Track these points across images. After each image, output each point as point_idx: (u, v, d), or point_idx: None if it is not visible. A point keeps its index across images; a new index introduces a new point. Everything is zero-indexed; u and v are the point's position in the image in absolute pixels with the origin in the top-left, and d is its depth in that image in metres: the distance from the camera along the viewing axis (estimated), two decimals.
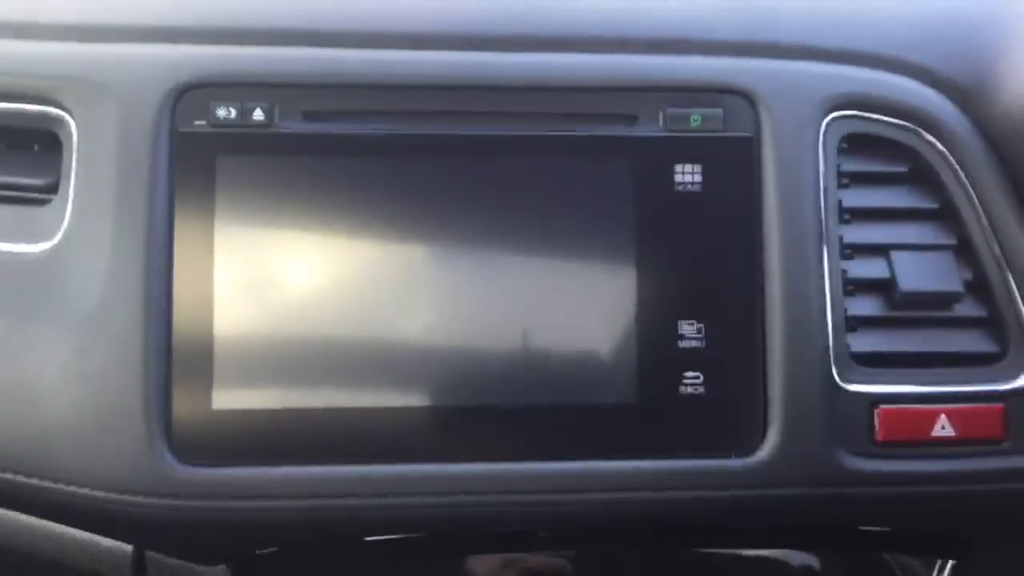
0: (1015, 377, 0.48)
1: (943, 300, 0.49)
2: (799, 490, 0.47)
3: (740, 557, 0.58)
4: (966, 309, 0.49)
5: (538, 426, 0.47)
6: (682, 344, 0.47)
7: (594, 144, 0.48)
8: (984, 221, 0.49)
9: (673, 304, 0.47)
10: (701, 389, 0.47)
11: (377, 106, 0.48)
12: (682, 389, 0.47)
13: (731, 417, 0.47)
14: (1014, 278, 0.48)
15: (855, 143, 0.49)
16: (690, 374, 0.47)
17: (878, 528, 0.51)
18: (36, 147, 0.50)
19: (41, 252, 0.47)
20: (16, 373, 0.46)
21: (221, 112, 0.47)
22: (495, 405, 0.46)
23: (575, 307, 0.47)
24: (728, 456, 0.47)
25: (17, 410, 0.46)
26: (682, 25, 0.50)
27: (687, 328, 0.48)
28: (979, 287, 0.49)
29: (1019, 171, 0.48)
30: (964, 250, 0.49)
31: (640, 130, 0.48)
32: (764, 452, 0.47)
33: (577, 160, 0.48)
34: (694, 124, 0.48)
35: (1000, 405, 0.48)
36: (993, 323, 0.49)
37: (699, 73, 0.48)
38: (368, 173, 0.47)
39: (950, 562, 0.53)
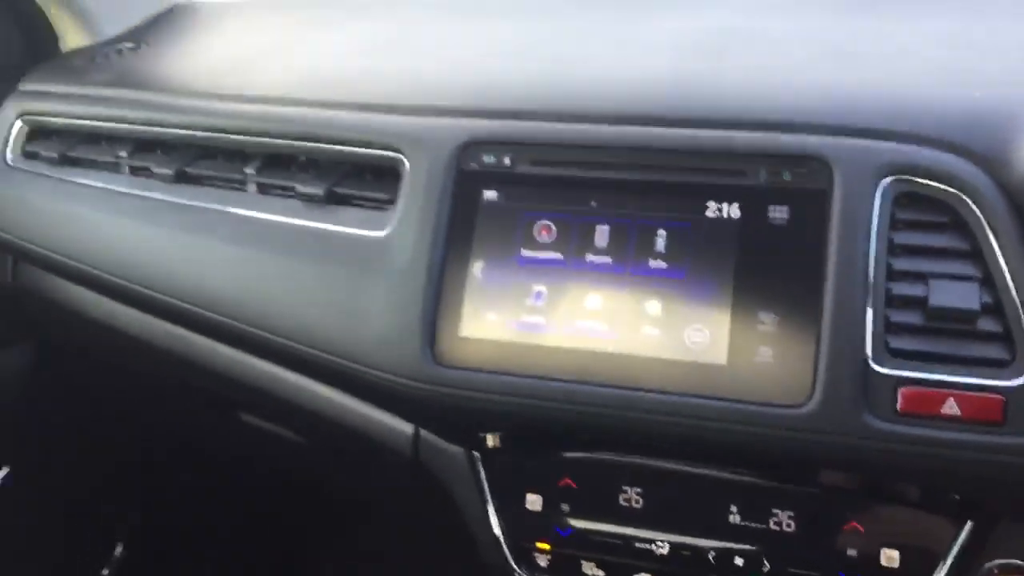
0: (1017, 377, 0.63)
1: (965, 316, 0.64)
2: (834, 438, 0.66)
3: None
4: (985, 325, 0.64)
5: (668, 375, 0.70)
6: (760, 328, 0.68)
7: (718, 189, 0.71)
8: (1002, 261, 0.65)
9: (759, 298, 0.69)
10: (770, 359, 0.68)
11: (579, 158, 0.75)
12: (757, 359, 0.68)
13: (789, 380, 0.66)
14: (1022, 304, 0.64)
15: (908, 199, 0.67)
16: (763, 348, 0.68)
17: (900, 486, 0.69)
18: (389, 177, 0.84)
19: (379, 236, 0.79)
20: (353, 302, 0.78)
21: (486, 159, 0.77)
22: (649, 356, 0.70)
23: (693, 296, 0.71)
24: (784, 407, 0.67)
25: (349, 323, 0.78)
26: (782, 110, 0.71)
27: (767, 317, 0.68)
28: (997, 311, 0.65)
29: None
30: (987, 282, 0.65)
31: (748, 181, 0.71)
32: (810, 407, 0.66)
33: (708, 200, 0.72)
34: (785, 178, 0.70)
35: (1001, 397, 0.64)
36: (1006, 338, 0.64)
37: (791, 145, 0.70)
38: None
39: (969, 523, 0.69)
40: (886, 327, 0.66)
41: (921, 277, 0.67)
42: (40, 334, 1.21)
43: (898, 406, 0.65)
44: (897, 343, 0.66)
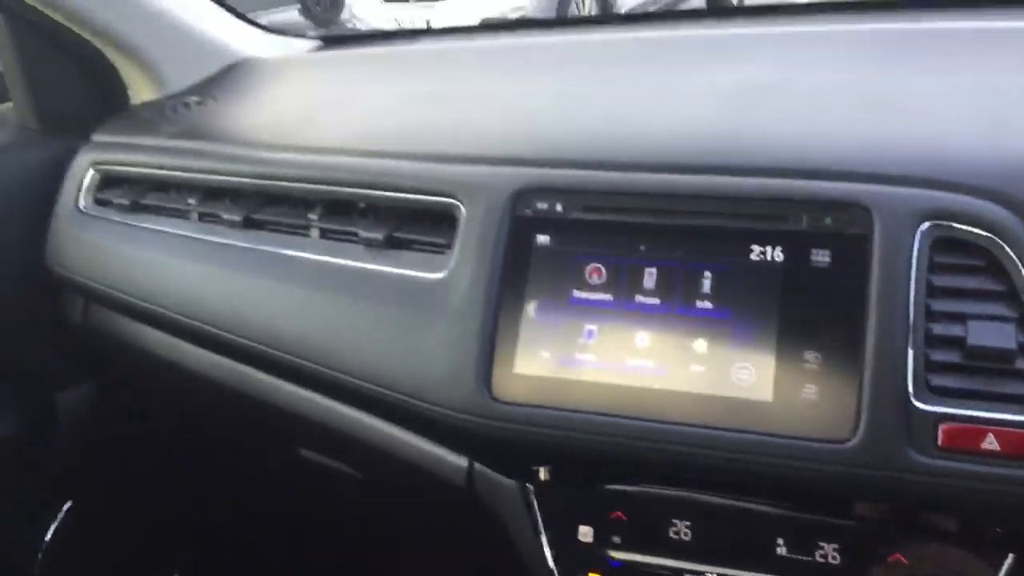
0: None
1: (1003, 355, 0.67)
2: (878, 472, 0.69)
3: None
4: (1022, 364, 0.67)
5: (715, 412, 0.73)
6: (805, 366, 0.72)
7: (761, 233, 0.75)
8: None
9: (803, 338, 0.72)
10: (815, 397, 0.71)
11: (628, 205, 0.79)
12: (802, 395, 0.71)
13: (833, 417, 0.69)
14: None
15: (945, 243, 0.70)
16: (808, 386, 0.71)
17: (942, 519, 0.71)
18: (446, 223, 0.88)
19: (437, 278, 0.84)
20: (413, 340, 0.83)
21: (539, 205, 0.81)
22: (697, 392, 0.74)
23: (739, 335, 0.74)
24: (829, 442, 0.70)
25: (409, 360, 0.82)
26: (823, 159, 0.75)
27: (811, 356, 0.71)
28: None
29: None
30: (1023, 322, 0.68)
31: (790, 226, 0.74)
32: (853, 442, 0.68)
33: (752, 244, 0.75)
34: (827, 223, 0.73)
35: None
36: None
37: (833, 192, 0.73)
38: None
39: (1010, 556, 0.70)
40: (926, 366, 0.69)
41: (959, 318, 0.69)
42: (107, 372, 1.27)
43: (939, 441, 0.68)
44: (937, 381, 0.69)
